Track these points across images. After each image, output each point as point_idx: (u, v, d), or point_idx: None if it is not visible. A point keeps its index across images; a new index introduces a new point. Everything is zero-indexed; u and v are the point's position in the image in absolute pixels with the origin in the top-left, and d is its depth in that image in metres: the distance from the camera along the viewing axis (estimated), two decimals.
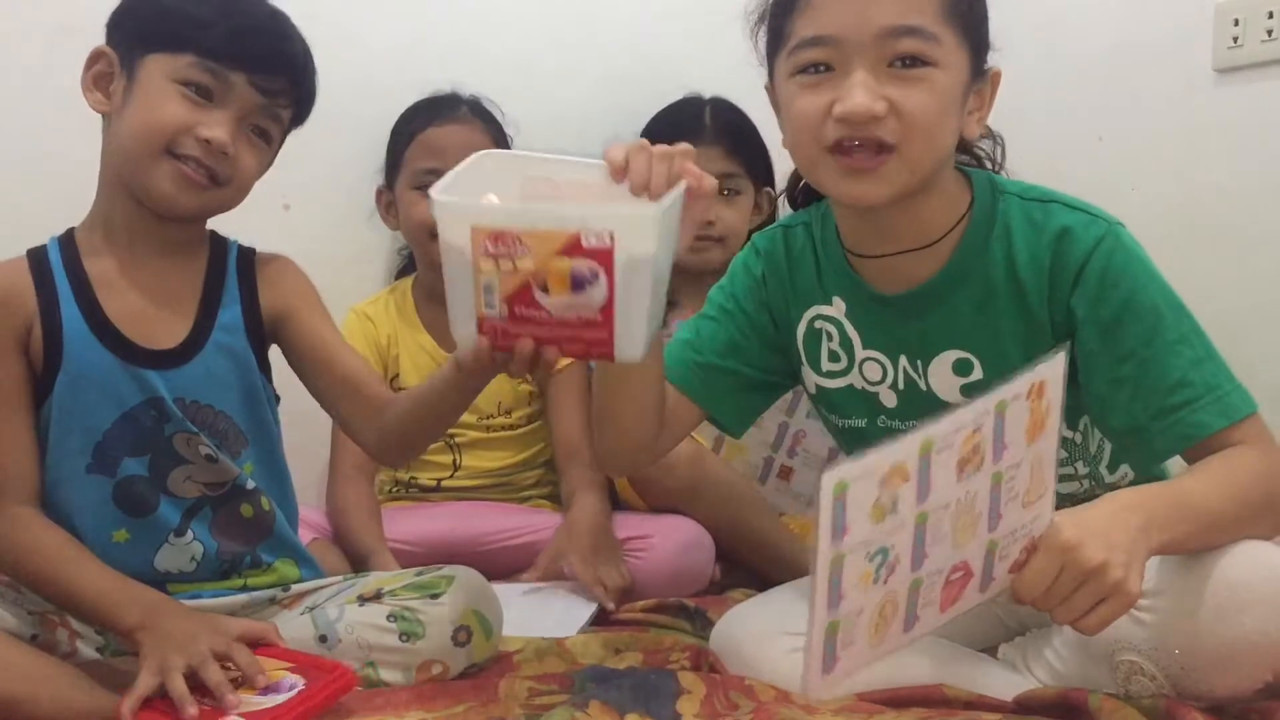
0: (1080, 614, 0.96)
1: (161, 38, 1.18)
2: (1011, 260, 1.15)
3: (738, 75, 1.90)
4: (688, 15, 1.99)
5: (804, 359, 1.27)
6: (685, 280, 1.87)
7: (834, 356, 1.25)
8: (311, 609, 1.21)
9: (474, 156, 1.07)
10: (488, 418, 1.79)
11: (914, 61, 1.07)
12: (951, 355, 1.18)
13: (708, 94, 1.91)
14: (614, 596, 1.48)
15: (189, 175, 1.17)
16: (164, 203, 1.19)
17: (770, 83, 1.20)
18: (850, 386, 1.24)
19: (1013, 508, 0.98)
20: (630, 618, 1.45)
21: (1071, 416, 1.19)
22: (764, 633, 1.17)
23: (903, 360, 1.20)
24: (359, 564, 1.53)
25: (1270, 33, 1.63)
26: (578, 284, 0.96)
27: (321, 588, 1.27)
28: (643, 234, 0.95)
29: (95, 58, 1.22)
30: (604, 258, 0.95)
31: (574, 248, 0.95)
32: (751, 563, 1.66)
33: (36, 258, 1.22)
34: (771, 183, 1.90)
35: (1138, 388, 1.09)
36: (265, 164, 1.25)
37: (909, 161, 1.09)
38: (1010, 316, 1.15)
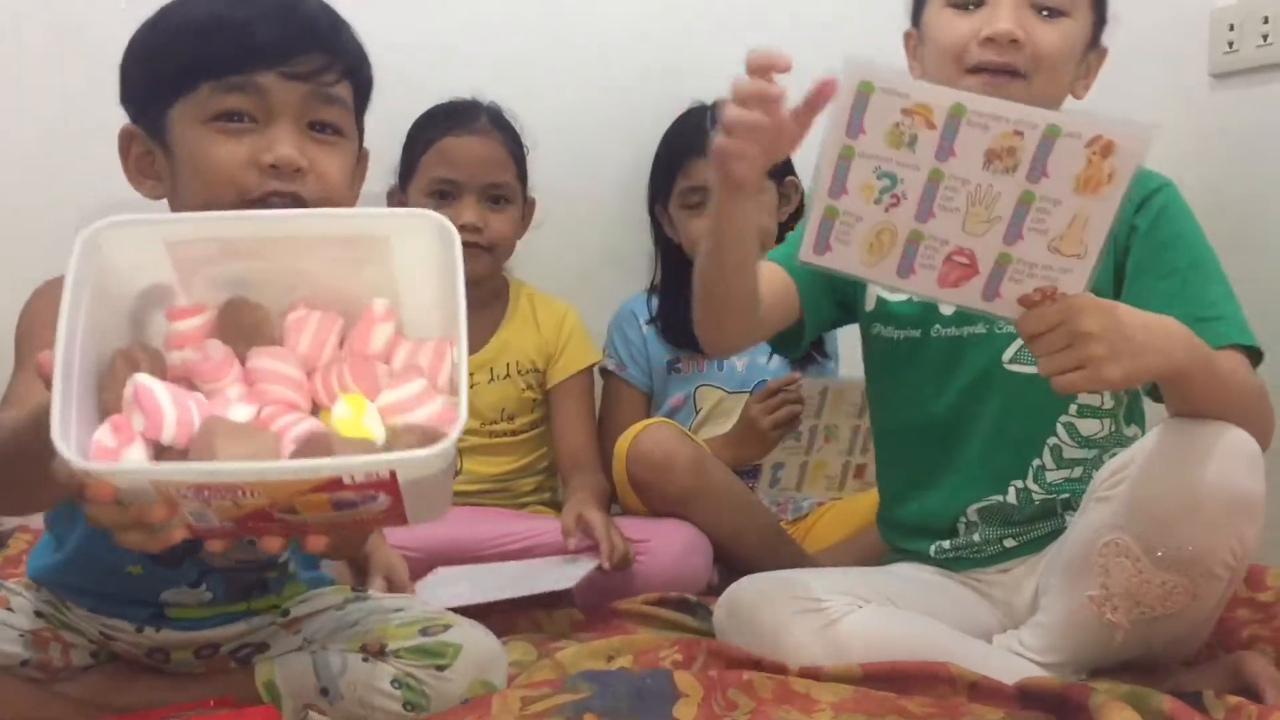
0: (1057, 369, 1.04)
1: (167, 84, 1.02)
2: None
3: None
4: (689, 22, 2.00)
5: None
6: None
7: None
8: (312, 648, 1.14)
9: (81, 243, 0.78)
10: (491, 423, 1.80)
11: (1051, 11, 1.24)
12: None
13: (712, 99, 1.91)
14: (616, 557, 1.50)
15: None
16: None
17: (914, 27, 1.34)
18: (909, 299, 1.33)
19: (1036, 239, 1.01)
20: (632, 609, 1.45)
21: None
22: (774, 593, 1.22)
23: None
24: (359, 562, 1.52)
25: (1265, 38, 1.64)
26: (343, 505, 0.77)
27: (320, 611, 1.21)
28: (433, 460, 0.75)
29: (126, 140, 1.07)
30: (381, 486, 0.76)
31: (332, 486, 0.75)
32: (751, 568, 1.64)
33: None
34: (793, 172, 1.89)
35: (1173, 300, 1.18)
36: (352, 159, 1.07)
37: (1035, 91, 1.22)
38: None
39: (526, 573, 1.51)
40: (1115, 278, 1.25)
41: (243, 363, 0.84)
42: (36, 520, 1.18)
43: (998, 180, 0.99)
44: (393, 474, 0.75)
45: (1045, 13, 1.24)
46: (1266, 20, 1.63)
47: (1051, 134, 0.97)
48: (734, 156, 1.06)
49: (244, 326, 0.85)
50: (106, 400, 0.79)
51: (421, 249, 0.83)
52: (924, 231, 1.01)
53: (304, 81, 1.02)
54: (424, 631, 1.14)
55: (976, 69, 1.24)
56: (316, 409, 0.84)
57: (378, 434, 0.79)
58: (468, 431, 1.75)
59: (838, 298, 1.38)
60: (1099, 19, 1.30)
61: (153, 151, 1.06)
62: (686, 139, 1.86)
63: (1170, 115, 1.71)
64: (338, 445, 0.77)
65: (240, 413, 0.80)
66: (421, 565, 1.52)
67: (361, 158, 1.11)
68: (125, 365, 0.80)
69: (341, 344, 0.86)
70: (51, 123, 1.68)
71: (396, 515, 0.80)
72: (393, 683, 1.10)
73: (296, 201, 1.00)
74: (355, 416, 0.80)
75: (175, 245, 0.82)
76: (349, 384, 0.83)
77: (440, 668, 1.11)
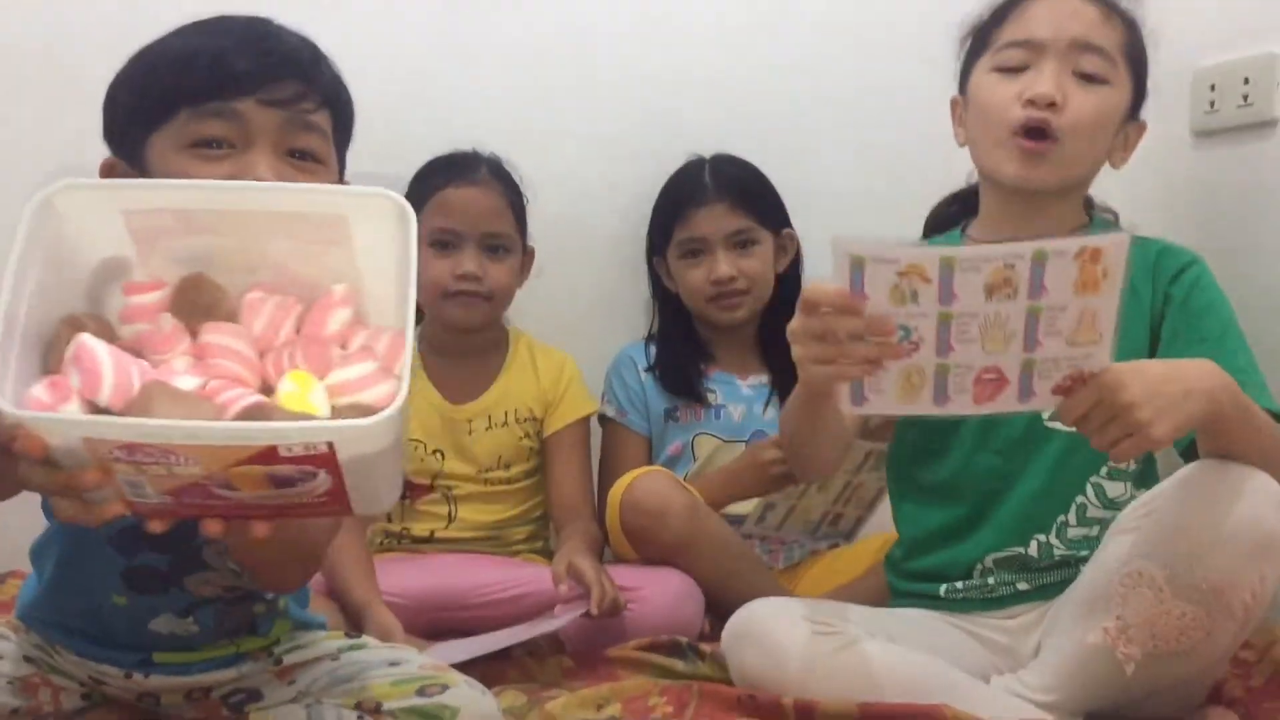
0: (1110, 442, 1.09)
1: (144, 113, 1.02)
2: None
3: (735, 133, 1.99)
4: (684, 75, 2.03)
5: None
6: (718, 333, 1.93)
7: None
8: (307, 701, 1.13)
9: (35, 204, 0.77)
10: (486, 470, 1.81)
11: (1092, 79, 1.33)
12: None
13: (708, 151, 1.94)
14: (607, 604, 1.51)
15: None
16: None
17: (960, 93, 1.44)
18: None
19: (1053, 340, 1.06)
20: (623, 656, 1.46)
21: None
22: (790, 614, 1.27)
23: None
24: (354, 617, 1.53)
25: (1246, 98, 1.66)
26: (282, 483, 0.74)
27: (314, 661, 1.19)
28: (374, 436, 0.74)
29: (107, 171, 1.06)
30: (320, 461, 0.73)
31: (268, 457, 0.72)
32: None
33: None
34: (789, 224, 1.93)
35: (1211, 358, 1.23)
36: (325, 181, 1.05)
37: (1068, 155, 1.32)
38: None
39: (516, 630, 1.52)
40: (1150, 341, 1.33)
41: (194, 338, 0.82)
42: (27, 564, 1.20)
43: (1003, 306, 1.04)
44: (331, 447, 0.72)
45: (1086, 80, 1.33)
46: (1247, 81, 1.66)
47: (1040, 258, 1.03)
48: (810, 361, 1.10)
49: (200, 305, 0.84)
50: (50, 363, 0.78)
51: (383, 232, 0.81)
52: (949, 363, 1.07)
53: (281, 108, 1.01)
54: (421, 691, 1.11)
55: (1017, 129, 1.32)
56: (268, 391, 0.81)
57: (322, 410, 0.78)
58: (462, 479, 1.79)
59: None
60: (1139, 92, 1.39)
61: None
62: (686, 191, 1.90)
63: (1153, 172, 1.73)
64: (279, 417, 0.75)
65: (185, 382, 0.78)
66: (410, 613, 1.53)
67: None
68: (70, 330, 0.79)
69: (299, 330, 0.85)
70: (51, 164, 1.72)
71: (338, 500, 0.77)
72: None
73: None
74: (301, 392, 0.78)
75: (133, 215, 0.80)
76: (299, 364, 0.82)
77: None
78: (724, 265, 1.85)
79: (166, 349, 0.81)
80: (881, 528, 1.73)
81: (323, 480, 0.75)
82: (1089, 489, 1.36)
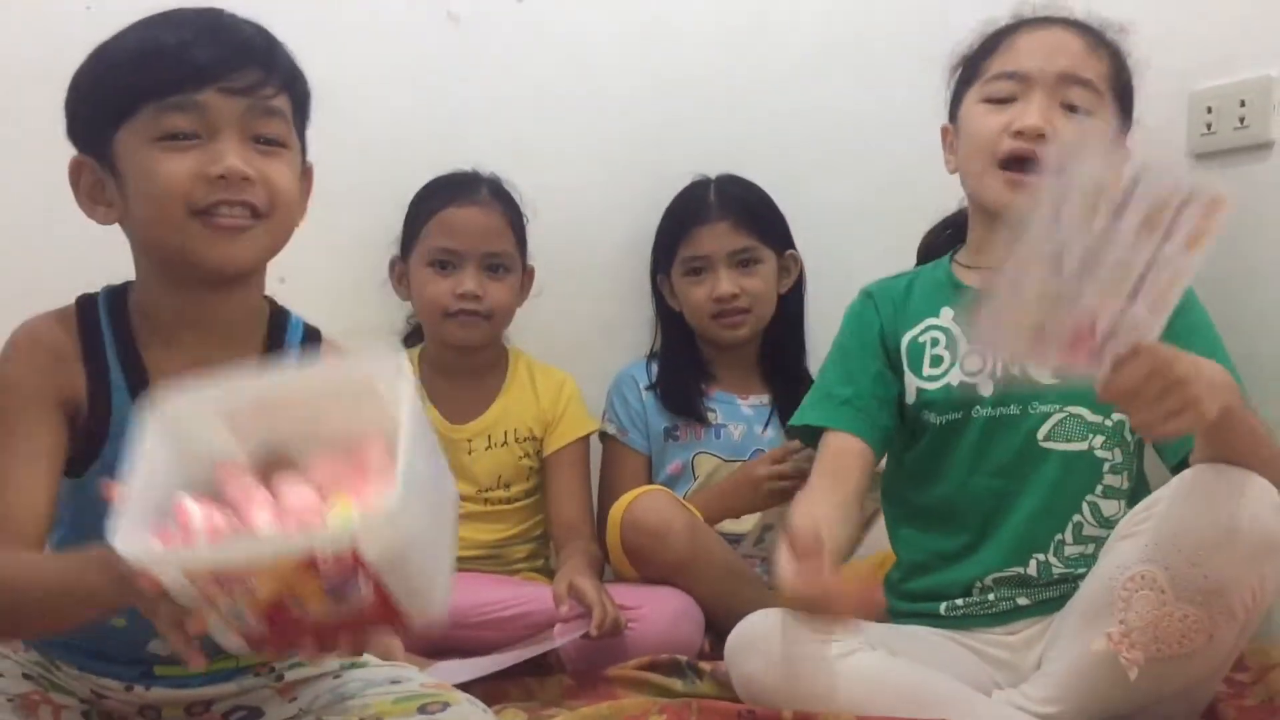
0: (1164, 414, 1.05)
1: (109, 109, 1.05)
2: None
3: (737, 151, 2.00)
4: (683, 95, 2.04)
5: (907, 367, 1.44)
6: (720, 353, 1.94)
7: (935, 361, 1.43)
8: (308, 718, 1.14)
9: (152, 424, 0.91)
10: (486, 490, 1.82)
11: (1078, 110, 1.35)
12: None
13: (710, 171, 1.95)
14: (608, 624, 1.51)
15: (227, 224, 1.04)
16: (215, 264, 1.06)
17: (950, 122, 1.47)
18: (948, 385, 1.41)
19: (1145, 298, 1.02)
20: (622, 675, 1.47)
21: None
22: (794, 622, 1.25)
23: None
24: None
25: (1242, 120, 1.68)
26: (336, 594, 0.85)
27: (316, 677, 1.19)
28: (385, 531, 0.83)
29: (76, 171, 1.10)
30: (354, 564, 0.83)
31: (312, 567, 0.83)
32: None
33: (87, 327, 1.11)
34: (793, 245, 1.94)
35: None
36: (297, 171, 1.10)
37: None
38: None
39: (518, 651, 1.52)
40: None
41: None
42: None
43: (1144, 244, 1.00)
44: (354, 546, 0.82)
45: (1072, 110, 1.35)
46: (1243, 104, 1.67)
47: (1188, 199, 1.01)
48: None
49: (274, 468, 0.94)
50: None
51: (396, 380, 0.93)
52: (1073, 293, 1.02)
53: (243, 96, 1.05)
54: (422, 709, 1.11)
55: (1005, 160, 1.34)
56: None
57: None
58: (463, 498, 1.79)
59: (890, 410, 1.45)
60: (1125, 120, 1.41)
61: (102, 179, 1.08)
62: (691, 209, 1.91)
63: None
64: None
65: (263, 520, 0.89)
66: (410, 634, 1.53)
67: (307, 172, 1.15)
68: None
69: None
70: (50, 176, 1.73)
71: (387, 606, 0.86)
72: None
73: (248, 211, 1.05)
74: (343, 512, 0.88)
75: (220, 410, 0.95)
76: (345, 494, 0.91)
77: None
78: (726, 283, 1.86)
79: (249, 504, 0.91)
80: (880, 546, 1.73)
81: (365, 588, 0.84)
82: (1085, 508, 1.36)
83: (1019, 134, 1.34)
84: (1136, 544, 1.19)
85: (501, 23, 2.01)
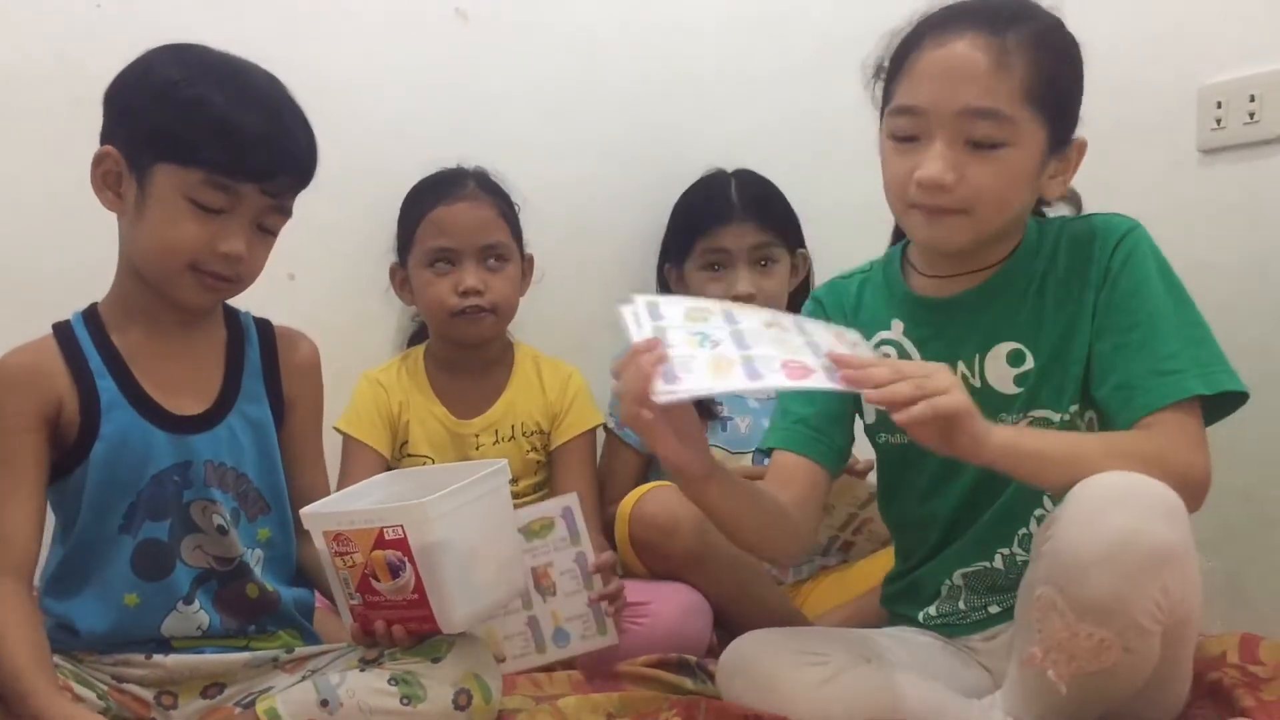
0: (902, 402, 1.08)
1: (170, 149, 1.20)
2: (1057, 249, 1.31)
3: (740, 148, 1.99)
4: (687, 88, 2.05)
5: None
6: None
7: None
8: (313, 672, 1.23)
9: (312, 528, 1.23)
10: None
11: (989, 145, 1.21)
12: (1006, 347, 1.30)
13: (710, 165, 1.95)
14: (611, 578, 1.54)
15: (211, 285, 1.24)
16: (187, 306, 1.27)
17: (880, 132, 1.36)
18: None
19: (839, 345, 1.16)
20: (632, 671, 1.47)
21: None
22: (776, 646, 1.26)
23: (960, 364, 1.32)
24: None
25: (1252, 115, 1.68)
26: (394, 571, 1.15)
27: (325, 652, 1.29)
28: (423, 525, 1.13)
29: (100, 159, 1.24)
30: (402, 547, 1.14)
31: (380, 541, 1.14)
32: (750, 631, 1.66)
33: (64, 335, 1.26)
34: (803, 244, 1.95)
35: (1139, 350, 1.23)
36: (270, 249, 1.30)
37: (979, 222, 1.25)
38: (1057, 304, 1.30)
39: None
40: (1094, 324, 1.28)
41: None
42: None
43: (782, 334, 1.15)
44: (404, 530, 1.13)
45: (982, 147, 1.22)
46: (1253, 98, 1.67)
47: (799, 323, 1.20)
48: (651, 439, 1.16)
49: None
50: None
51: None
52: (753, 355, 1.11)
53: (272, 198, 1.24)
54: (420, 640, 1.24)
55: (914, 206, 1.25)
56: None
57: None
58: None
59: (846, 428, 1.42)
60: (1059, 127, 1.26)
61: (124, 176, 1.22)
62: (713, 205, 1.91)
63: (1160, 190, 1.74)
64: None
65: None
66: None
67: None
68: None
69: None
70: (68, 185, 1.74)
71: (422, 598, 1.14)
72: (390, 680, 1.17)
73: (230, 280, 1.25)
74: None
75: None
76: None
77: (435, 660, 1.20)
78: (744, 284, 1.87)
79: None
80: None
81: (409, 573, 1.14)
82: (1045, 500, 1.31)
83: (919, 185, 1.23)
84: (1039, 565, 1.14)
85: (509, 19, 2.01)
